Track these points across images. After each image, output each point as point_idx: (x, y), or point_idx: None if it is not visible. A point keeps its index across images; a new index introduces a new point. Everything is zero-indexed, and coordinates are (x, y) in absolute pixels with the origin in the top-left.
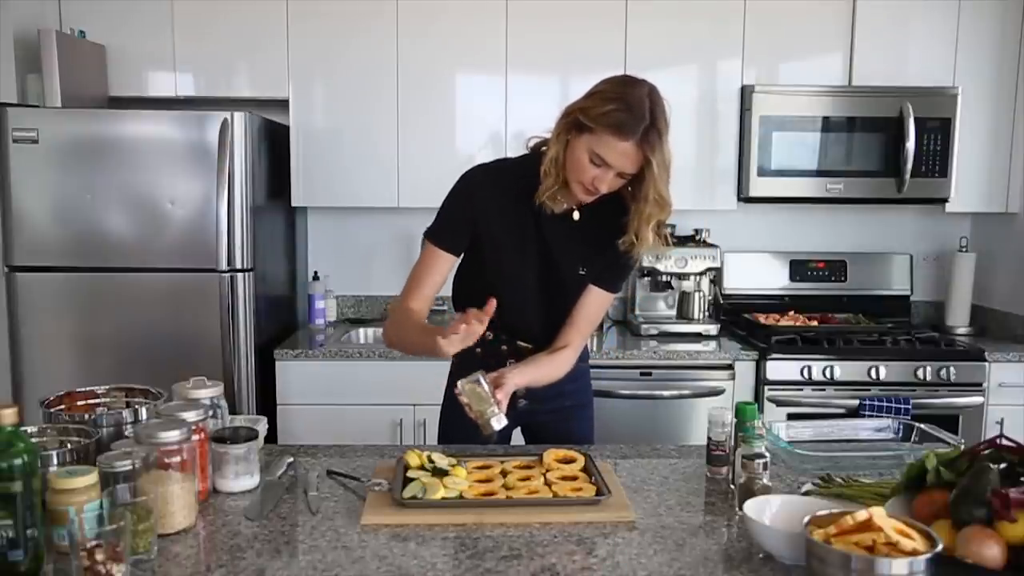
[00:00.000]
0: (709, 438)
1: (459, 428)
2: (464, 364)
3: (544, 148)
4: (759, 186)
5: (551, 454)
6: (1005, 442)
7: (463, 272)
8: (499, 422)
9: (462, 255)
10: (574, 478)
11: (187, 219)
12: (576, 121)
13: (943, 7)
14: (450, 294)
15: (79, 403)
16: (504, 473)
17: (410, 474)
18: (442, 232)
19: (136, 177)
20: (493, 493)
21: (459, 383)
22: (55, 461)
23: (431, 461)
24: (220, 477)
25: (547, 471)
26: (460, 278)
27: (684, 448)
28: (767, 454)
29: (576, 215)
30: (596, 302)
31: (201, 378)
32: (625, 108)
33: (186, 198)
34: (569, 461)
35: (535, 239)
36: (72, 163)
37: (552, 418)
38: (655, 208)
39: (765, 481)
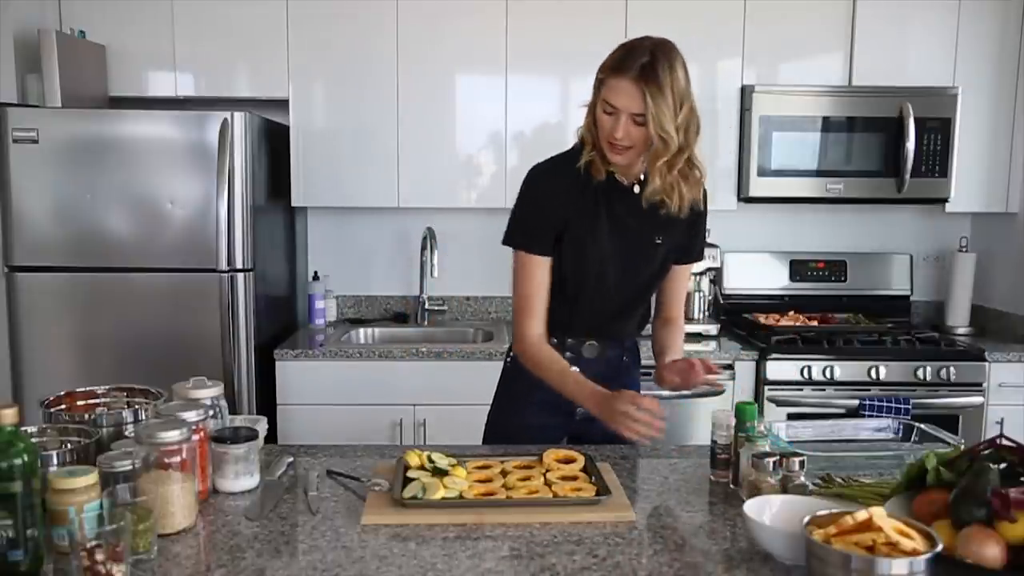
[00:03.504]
0: (714, 441)
1: (507, 430)
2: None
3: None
4: (759, 186)
5: (551, 454)
6: (1005, 442)
7: None
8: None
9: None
10: (574, 478)
11: (187, 219)
12: (595, 82)
13: (943, 7)
14: (449, 293)
15: (79, 403)
16: (504, 473)
17: (410, 474)
18: (534, 237)
19: (136, 177)
20: (493, 493)
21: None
22: (55, 461)
23: (431, 461)
24: (220, 477)
25: (547, 471)
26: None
27: (684, 448)
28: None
29: (636, 188)
30: (678, 279)
31: (201, 378)
32: (624, 50)
33: (186, 198)
34: (569, 461)
35: (607, 216)
36: (72, 163)
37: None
38: (661, 145)
39: (774, 481)
